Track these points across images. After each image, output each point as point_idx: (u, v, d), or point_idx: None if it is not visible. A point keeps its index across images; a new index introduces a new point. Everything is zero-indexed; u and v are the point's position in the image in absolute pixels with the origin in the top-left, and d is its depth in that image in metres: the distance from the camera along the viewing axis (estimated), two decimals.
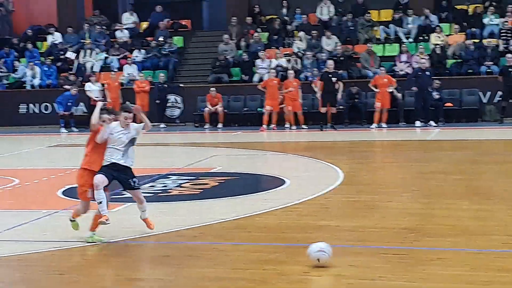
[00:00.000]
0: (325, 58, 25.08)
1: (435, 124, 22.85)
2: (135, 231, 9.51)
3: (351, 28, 26.76)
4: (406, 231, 9.15)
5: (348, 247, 8.49)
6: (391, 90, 23.34)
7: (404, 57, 25.04)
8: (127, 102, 9.09)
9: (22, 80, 27.65)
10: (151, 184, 13.30)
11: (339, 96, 22.84)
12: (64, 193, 12.71)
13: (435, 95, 23.25)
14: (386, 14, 27.71)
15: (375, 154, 18.43)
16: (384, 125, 23.11)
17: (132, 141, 9.10)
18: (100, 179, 8.74)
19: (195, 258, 8.25)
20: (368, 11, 27.13)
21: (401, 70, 24.71)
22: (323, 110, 22.98)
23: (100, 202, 8.76)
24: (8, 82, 27.91)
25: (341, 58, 25.24)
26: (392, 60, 25.32)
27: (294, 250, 8.43)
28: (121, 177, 8.97)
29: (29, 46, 28.34)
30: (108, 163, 8.90)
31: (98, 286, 7.41)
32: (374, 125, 23.11)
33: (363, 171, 14.70)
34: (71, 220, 9.30)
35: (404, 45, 25.33)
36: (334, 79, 22.75)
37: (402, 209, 10.59)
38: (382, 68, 23.82)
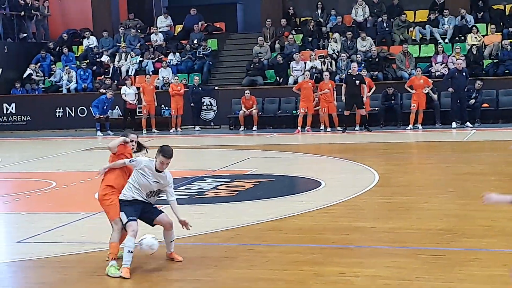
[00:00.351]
0: (360, 60, 25.02)
1: (471, 125, 22.64)
2: None
3: (386, 29, 26.63)
4: (442, 232, 9.09)
5: (384, 248, 8.46)
6: (427, 91, 23.19)
7: (440, 58, 24.85)
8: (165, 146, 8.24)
9: (59, 84, 27.97)
10: (187, 186, 13.37)
11: (364, 98, 22.80)
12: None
13: (472, 96, 23.05)
14: (422, 15, 27.52)
15: (411, 156, 18.33)
16: (420, 126, 22.97)
17: (158, 192, 8.20)
18: (136, 227, 7.90)
19: (231, 259, 8.28)
20: (404, 11, 26.97)
21: (437, 71, 24.52)
22: (346, 113, 23.05)
23: (130, 252, 7.79)
24: (45, 86, 28.25)
25: (376, 59, 25.13)
26: (428, 61, 25.15)
27: (330, 251, 8.43)
28: (146, 208, 8.12)
29: (65, 50, 28.66)
30: (131, 198, 8.04)
31: (138, 287, 7.48)
32: (409, 127, 22.98)
33: (399, 173, 14.62)
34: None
35: (440, 46, 25.14)
36: (357, 82, 22.75)
37: (439, 210, 10.53)
38: (418, 69, 23.68)
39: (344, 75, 24.25)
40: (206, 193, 12.75)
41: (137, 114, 25.73)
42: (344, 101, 23.13)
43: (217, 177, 14.31)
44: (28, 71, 28.29)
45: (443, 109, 23.44)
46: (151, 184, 8.01)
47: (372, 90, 23.41)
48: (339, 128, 23.42)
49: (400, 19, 26.63)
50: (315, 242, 8.84)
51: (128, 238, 7.80)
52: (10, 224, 11.12)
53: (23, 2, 29.55)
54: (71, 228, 10.36)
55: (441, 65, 24.64)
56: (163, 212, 8.24)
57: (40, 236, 9.81)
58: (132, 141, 8.36)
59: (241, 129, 24.71)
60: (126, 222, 7.88)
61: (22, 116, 27.48)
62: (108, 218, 8.16)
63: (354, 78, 22.90)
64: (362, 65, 24.85)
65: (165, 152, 8.06)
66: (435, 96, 23.34)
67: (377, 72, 24.73)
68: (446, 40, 25.90)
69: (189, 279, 7.66)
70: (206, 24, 29.00)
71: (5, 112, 27.53)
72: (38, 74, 28.39)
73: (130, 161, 8.22)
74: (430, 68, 24.73)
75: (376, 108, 23.78)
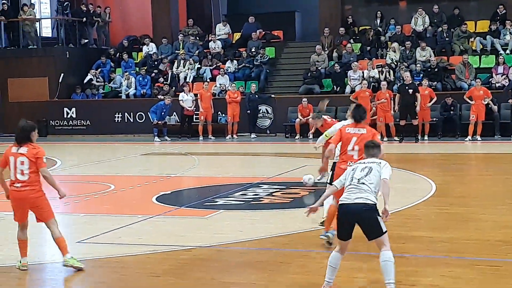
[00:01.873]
0: (419, 70, 24.81)
1: None
2: (227, 237, 9.66)
3: (446, 39, 26.35)
4: (500, 243, 8.98)
5: (441, 258, 8.39)
6: (486, 102, 22.87)
7: (500, 69, 24.47)
8: None
9: (118, 89, 28.41)
10: (242, 192, 13.45)
11: (417, 108, 22.63)
12: (157, 199, 13.02)
13: None
14: (483, 25, 27.15)
15: (469, 167, 18.09)
16: (478, 138, 22.65)
17: None
18: None
19: (286, 265, 8.32)
20: (465, 22, 26.66)
21: (497, 82, 24.17)
22: (402, 122, 22.88)
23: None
24: (104, 92, 28.72)
25: (435, 70, 24.88)
26: (488, 72, 24.79)
27: None
28: None
29: (125, 56, 29.09)
30: None
31: None
32: (468, 138, 22.68)
33: (456, 184, 14.46)
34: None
35: (501, 57, 24.77)
36: (410, 91, 22.58)
37: (497, 222, 10.38)
38: (477, 80, 23.37)
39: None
40: (261, 199, 12.80)
41: (194, 120, 25.95)
42: (397, 111, 23.00)
43: (272, 184, 14.35)
44: (89, 76, 28.79)
45: (503, 121, 23.08)
46: None
47: (433, 101, 23.16)
48: (395, 138, 23.24)
49: (460, 29, 26.32)
50: (371, 250, 8.80)
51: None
52: (70, 225, 11.32)
53: (85, 9, 30.13)
54: (129, 230, 10.52)
55: (501, 76, 24.28)
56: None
57: (99, 237, 10.00)
58: None
59: (296, 137, 24.73)
60: None
61: (82, 121, 27.97)
62: None
63: (407, 87, 22.74)
64: (421, 75, 24.64)
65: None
66: (495, 108, 22.99)
67: (435, 82, 24.46)
68: (507, 51, 25.51)
69: (243, 283, 7.72)
70: (264, 32, 29.12)
71: (65, 116, 28.06)
72: (98, 79, 28.87)
73: None
74: (490, 79, 24.38)
75: (434, 119, 23.54)
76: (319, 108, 13.23)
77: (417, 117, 22.79)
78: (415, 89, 22.73)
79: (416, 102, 22.68)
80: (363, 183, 7.02)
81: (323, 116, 10.75)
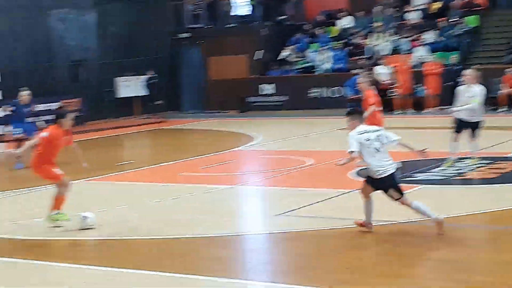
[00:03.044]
0: None
1: None
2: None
3: None
4: None
5: None
6: None
7: None
8: None
9: (313, 64, 28.49)
10: (443, 167, 12.98)
11: None
12: (355, 174, 12.88)
13: None
14: None
15: None
16: None
17: None
18: None
19: (492, 242, 7.90)
20: None
21: None
22: None
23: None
24: (300, 67, 28.90)
25: None
26: None
27: None
28: None
29: (320, 31, 29.09)
30: None
31: (400, 264, 7.36)
32: None
33: None
34: None
35: None
36: None
37: None
38: None
39: None
40: (464, 174, 12.28)
41: (391, 94, 25.47)
42: None
43: (476, 159, 13.73)
44: (285, 52, 29.10)
45: None
46: None
47: None
48: None
49: None
50: None
51: None
52: (269, 198, 11.49)
53: None
54: (327, 204, 10.49)
55: None
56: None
57: (297, 211, 10.04)
58: None
59: (499, 110, 23.54)
60: None
61: (279, 97, 28.35)
62: None
63: None
64: None
65: None
66: None
67: None
68: None
69: (446, 259, 7.41)
70: (466, 1, 27.93)
71: (262, 92, 28.57)
72: (294, 55, 29.11)
73: None
74: None
75: None
76: None
77: None
78: None
79: None
80: None
81: None
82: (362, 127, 8.60)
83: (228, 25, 30.22)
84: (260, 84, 28.64)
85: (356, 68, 26.32)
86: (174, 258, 7.93)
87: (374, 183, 8.33)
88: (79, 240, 8.96)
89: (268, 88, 28.53)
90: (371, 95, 13.56)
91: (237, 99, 28.49)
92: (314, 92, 27.66)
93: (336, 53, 27.84)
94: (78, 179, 13.65)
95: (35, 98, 24.76)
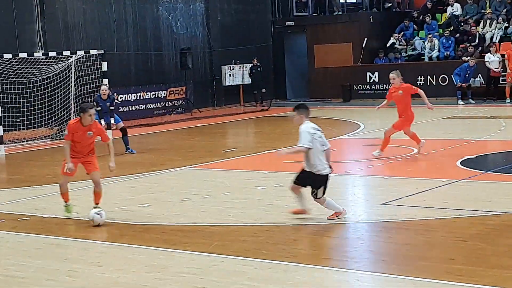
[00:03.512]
0: None
1: None
2: None
3: None
4: None
5: None
6: None
7: None
8: None
9: (420, 52, 27.98)
10: None
11: None
12: (462, 163, 12.61)
13: None
14: None
15: None
16: None
17: None
18: None
19: None
20: None
21: None
22: None
23: None
24: (407, 55, 28.44)
25: None
26: None
27: None
28: None
29: (428, 18, 28.51)
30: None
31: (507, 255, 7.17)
32: None
33: None
34: None
35: None
36: None
37: None
38: None
39: None
40: None
41: (501, 82, 24.75)
42: None
43: None
44: (392, 40, 28.71)
45: None
46: None
47: None
48: None
49: None
50: None
51: None
52: (374, 187, 11.38)
53: None
54: (433, 193, 10.31)
55: None
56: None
57: (403, 200, 9.92)
58: None
59: None
60: None
61: (385, 85, 27.96)
62: None
63: None
64: None
65: None
66: None
67: None
68: None
69: None
70: None
71: (368, 80, 28.29)
72: (401, 43, 28.68)
73: None
74: None
75: None
76: None
77: None
78: None
79: None
80: None
81: None
82: (313, 125, 8.82)
83: (335, 13, 30.05)
84: (366, 72, 28.36)
85: (465, 56, 25.73)
86: (277, 245, 7.96)
87: (310, 179, 8.66)
88: (183, 226, 9.12)
89: (373, 76, 28.23)
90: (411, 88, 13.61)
91: (341, 87, 28.32)
92: (421, 80, 27.16)
93: (444, 40, 27.24)
94: (184, 166, 13.94)
95: (143, 86, 25.60)
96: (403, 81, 14.26)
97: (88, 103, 9.76)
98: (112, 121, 16.44)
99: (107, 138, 9.81)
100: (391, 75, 14.15)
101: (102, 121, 15.99)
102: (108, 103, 16.38)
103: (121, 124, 16.42)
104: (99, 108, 16.02)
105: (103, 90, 16.67)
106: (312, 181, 8.75)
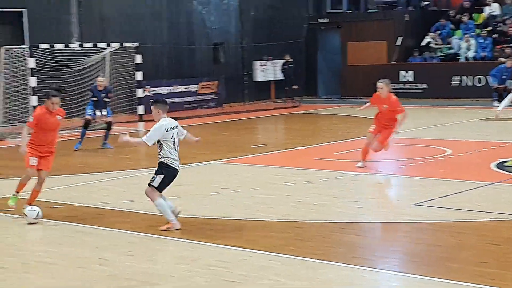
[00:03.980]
0: None
1: None
2: None
3: None
4: None
5: None
6: None
7: None
8: None
9: (456, 52, 27.65)
10: None
11: None
12: (497, 166, 12.40)
13: None
14: None
15: None
16: None
17: None
18: None
19: None
20: None
21: None
22: None
23: None
24: (443, 54, 28.13)
25: None
26: None
27: None
28: None
29: (465, 18, 28.17)
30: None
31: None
32: None
33: None
34: None
35: None
36: None
37: None
38: None
39: None
40: None
41: None
42: None
43: None
44: (427, 39, 28.41)
45: None
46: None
47: None
48: None
49: None
50: None
51: None
52: (405, 188, 11.25)
53: None
54: (466, 196, 10.14)
55: None
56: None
57: (434, 201, 9.77)
58: None
59: None
60: None
61: (419, 84, 27.71)
62: None
63: None
64: None
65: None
66: None
67: None
68: None
69: None
70: None
71: (402, 79, 28.02)
72: (436, 42, 28.37)
73: None
74: None
75: None
76: None
77: None
78: None
79: None
80: None
81: None
82: (170, 122, 8.52)
83: (370, 10, 29.81)
84: (399, 71, 28.09)
85: (502, 57, 25.37)
86: (305, 241, 7.89)
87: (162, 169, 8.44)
88: (212, 219, 9.08)
89: (407, 75, 27.96)
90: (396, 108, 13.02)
91: (374, 86, 28.01)
92: (456, 80, 26.86)
93: (481, 41, 26.90)
94: (213, 160, 13.91)
95: (175, 80, 25.62)
96: (392, 93, 13.70)
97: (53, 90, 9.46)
98: (104, 112, 16.50)
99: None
100: (379, 84, 13.42)
101: (98, 112, 16.19)
102: (103, 94, 16.45)
103: (110, 118, 16.52)
104: (94, 98, 16.25)
105: (99, 81, 16.75)
106: (161, 169, 8.44)
